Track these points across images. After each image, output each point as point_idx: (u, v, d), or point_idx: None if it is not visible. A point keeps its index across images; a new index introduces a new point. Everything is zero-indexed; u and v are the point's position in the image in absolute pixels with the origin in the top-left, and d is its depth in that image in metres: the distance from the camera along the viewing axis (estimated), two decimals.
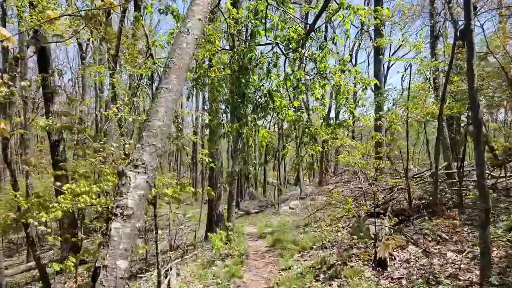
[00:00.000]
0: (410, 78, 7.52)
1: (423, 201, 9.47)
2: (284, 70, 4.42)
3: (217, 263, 7.31)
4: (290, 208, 16.05)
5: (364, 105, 4.79)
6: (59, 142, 9.98)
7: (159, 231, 15.05)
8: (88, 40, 15.87)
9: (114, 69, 7.25)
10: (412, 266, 5.25)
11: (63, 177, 8.33)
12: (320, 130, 4.97)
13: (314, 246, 7.91)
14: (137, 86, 5.71)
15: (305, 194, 18.18)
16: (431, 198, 9.14)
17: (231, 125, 4.64)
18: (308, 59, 4.43)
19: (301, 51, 4.53)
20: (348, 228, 9.43)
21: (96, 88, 16.35)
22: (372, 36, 19.29)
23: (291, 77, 4.17)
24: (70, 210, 4.75)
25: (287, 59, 4.48)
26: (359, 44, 18.07)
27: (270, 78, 4.21)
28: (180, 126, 4.99)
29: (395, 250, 5.95)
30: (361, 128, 24.56)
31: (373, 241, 6.57)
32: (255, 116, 4.32)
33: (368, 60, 28.19)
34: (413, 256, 5.63)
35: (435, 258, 5.43)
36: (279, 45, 4.05)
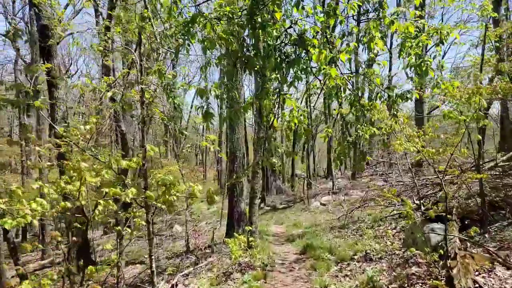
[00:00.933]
0: (483, 47, 5.68)
1: (488, 199, 7.60)
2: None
3: (234, 276, 5.97)
4: (321, 204, 14.46)
5: (443, 67, 3.20)
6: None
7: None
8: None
9: (106, 34, 6.06)
10: None
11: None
12: (377, 104, 3.39)
13: (356, 256, 6.34)
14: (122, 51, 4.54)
15: (337, 188, 16.48)
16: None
17: (250, 97, 3.23)
18: None
19: None
20: (395, 232, 7.76)
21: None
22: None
23: (336, 12, 2.63)
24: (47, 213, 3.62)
25: None
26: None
27: (303, 9, 2.67)
28: (177, 102, 3.69)
29: (477, 272, 4.28)
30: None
31: (435, 252, 4.92)
32: (279, 76, 2.83)
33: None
34: (509, 284, 3.94)
35: None
36: None
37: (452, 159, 7.96)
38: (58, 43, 17.49)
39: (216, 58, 2.84)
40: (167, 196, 2.70)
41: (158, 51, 4.75)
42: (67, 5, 18.18)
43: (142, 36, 3.95)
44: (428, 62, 2.95)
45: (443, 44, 3.49)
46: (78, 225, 3.89)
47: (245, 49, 2.68)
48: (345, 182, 18.63)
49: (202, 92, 2.72)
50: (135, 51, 4.87)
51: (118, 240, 6.06)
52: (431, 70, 2.99)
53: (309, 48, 2.63)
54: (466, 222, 6.51)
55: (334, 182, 17.10)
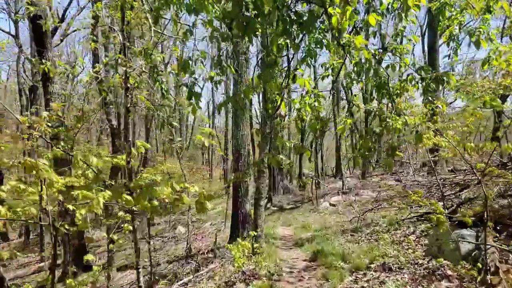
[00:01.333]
0: None
1: None
2: None
3: (237, 287, 5.36)
4: (330, 204, 13.77)
5: (491, 40, 2.59)
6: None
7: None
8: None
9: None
10: None
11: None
12: (408, 87, 2.73)
13: (372, 265, 5.68)
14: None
15: (347, 188, 15.76)
16: None
17: (250, 79, 2.62)
18: None
19: None
20: (415, 238, 7.06)
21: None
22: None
23: None
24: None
25: None
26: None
27: None
28: (165, 87, 3.14)
29: None
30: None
31: (469, 264, 4.25)
32: (289, 43, 2.19)
33: (422, 31, 23.51)
34: None
35: None
36: None
37: (485, 156, 7.20)
38: (62, 38, 16.90)
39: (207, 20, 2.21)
40: (143, 201, 2.11)
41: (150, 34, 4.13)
42: (70, 2, 17.84)
43: (125, 12, 3.34)
44: (481, 30, 2.30)
45: (490, 12, 2.82)
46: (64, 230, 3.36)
47: (243, 9, 2.06)
48: (354, 181, 17.89)
49: (185, 66, 2.08)
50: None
51: (108, 247, 5.51)
52: (484, 42, 2.34)
53: (327, 8, 2.00)
54: (498, 228, 5.79)
55: (344, 181, 16.39)
